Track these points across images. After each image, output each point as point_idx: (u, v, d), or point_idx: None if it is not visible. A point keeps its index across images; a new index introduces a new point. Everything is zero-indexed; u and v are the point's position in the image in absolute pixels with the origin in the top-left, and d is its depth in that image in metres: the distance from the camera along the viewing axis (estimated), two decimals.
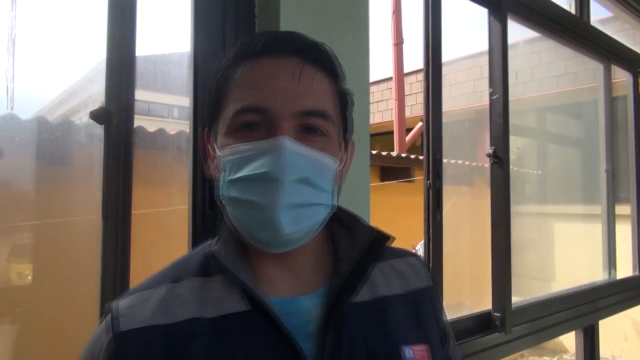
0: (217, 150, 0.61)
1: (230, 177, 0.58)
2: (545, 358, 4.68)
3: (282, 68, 0.59)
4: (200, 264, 0.62)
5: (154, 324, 0.57)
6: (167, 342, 0.55)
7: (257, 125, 0.58)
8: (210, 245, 0.63)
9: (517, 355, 3.21)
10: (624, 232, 2.40)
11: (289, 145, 0.56)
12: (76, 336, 0.89)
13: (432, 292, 0.70)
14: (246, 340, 0.56)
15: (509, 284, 1.55)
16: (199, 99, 0.99)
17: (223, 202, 0.60)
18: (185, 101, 1.03)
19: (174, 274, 0.62)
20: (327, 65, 0.63)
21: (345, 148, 0.66)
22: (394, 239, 0.66)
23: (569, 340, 2.27)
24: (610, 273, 2.23)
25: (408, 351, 0.61)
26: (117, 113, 0.91)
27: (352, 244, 0.65)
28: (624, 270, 2.35)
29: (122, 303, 0.59)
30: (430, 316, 0.67)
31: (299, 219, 0.57)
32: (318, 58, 0.61)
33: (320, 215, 0.60)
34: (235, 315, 0.57)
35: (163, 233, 1.06)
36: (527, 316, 1.64)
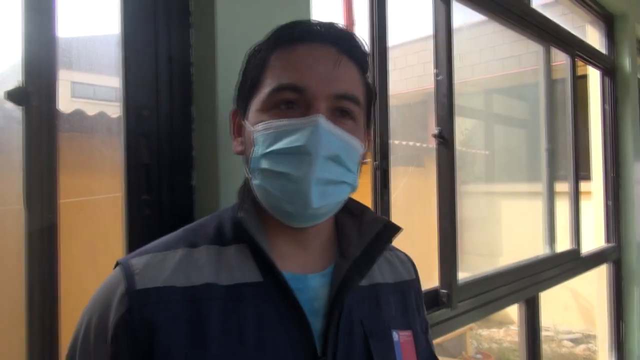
0: (248, 127, 0.64)
1: (263, 151, 0.60)
2: (493, 329, 4.92)
3: (320, 54, 0.63)
4: (216, 231, 0.64)
5: (173, 284, 0.58)
6: (185, 303, 0.57)
7: (293, 103, 0.61)
8: (226, 213, 0.66)
9: (466, 328, 3.36)
10: (563, 208, 2.53)
11: (324, 123, 0.59)
12: None
13: (416, 285, 0.76)
14: (259, 309, 0.59)
15: (455, 261, 1.60)
16: (129, 81, 0.93)
17: (252, 174, 0.63)
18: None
19: (190, 240, 0.63)
20: (360, 57, 0.67)
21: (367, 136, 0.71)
22: (402, 230, 0.69)
23: (515, 313, 2.38)
24: (550, 247, 2.35)
25: (396, 335, 0.66)
26: (37, 93, 0.84)
27: (359, 230, 0.68)
28: (564, 244, 2.49)
29: (135, 261, 0.60)
30: (414, 306, 0.73)
31: (326, 194, 0.60)
32: (353, 49, 0.66)
33: (345, 194, 0.64)
34: (248, 285, 0.60)
35: (94, 221, 1.00)
36: (473, 291, 1.70)
